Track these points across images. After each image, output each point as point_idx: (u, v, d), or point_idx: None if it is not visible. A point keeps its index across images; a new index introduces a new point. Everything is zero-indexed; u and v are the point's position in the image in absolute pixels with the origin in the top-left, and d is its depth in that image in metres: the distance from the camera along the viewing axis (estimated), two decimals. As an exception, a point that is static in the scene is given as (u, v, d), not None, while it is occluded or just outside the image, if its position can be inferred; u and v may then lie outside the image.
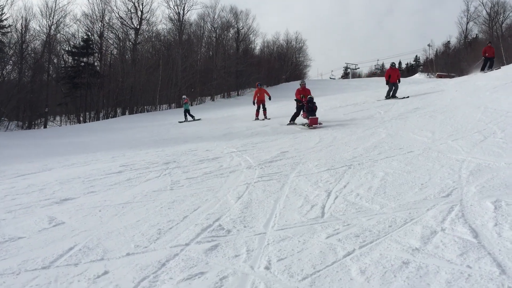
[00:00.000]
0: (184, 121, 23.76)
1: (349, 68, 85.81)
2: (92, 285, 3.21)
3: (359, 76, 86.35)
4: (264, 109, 18.51)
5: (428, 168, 5.84)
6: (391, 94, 18.05)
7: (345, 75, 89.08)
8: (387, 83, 18.43)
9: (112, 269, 3.48)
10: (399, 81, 18.40)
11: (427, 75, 67.05)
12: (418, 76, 70.64)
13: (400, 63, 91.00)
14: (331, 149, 8.38)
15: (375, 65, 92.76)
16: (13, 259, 3.86)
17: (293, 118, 15.11)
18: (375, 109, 15.04)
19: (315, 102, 13.78)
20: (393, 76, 18.12)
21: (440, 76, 55.00)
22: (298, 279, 3.03)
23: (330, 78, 79.04)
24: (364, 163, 6.69)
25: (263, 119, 18.05)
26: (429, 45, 76.53)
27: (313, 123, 12.89)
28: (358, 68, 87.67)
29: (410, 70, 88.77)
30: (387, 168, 6.13)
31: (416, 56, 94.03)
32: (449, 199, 4.40)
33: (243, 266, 3.33)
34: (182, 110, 26.97)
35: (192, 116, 24.24)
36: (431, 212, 4.07)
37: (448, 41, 70.49)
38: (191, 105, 38.11)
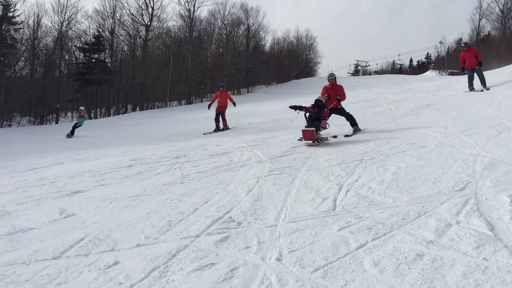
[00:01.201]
0: (70, 135, 19.41)
1: (359, 65, 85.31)
2: (102, 275, 3.19)
3: (370, 73, 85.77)
4: (223, 118, 15.33)
5: (441, 163, 5.76)
6: (472, 85, 14.48)
7: (355, 72, 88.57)
8: (463, 70, 15.21)
9: (122, 259, 3.46)
10: (480, 65, 14.36)
11: (439, 72, 66.49)
12: (429, 73, 70.07)
13: (411, 60, 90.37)
14: (342, 144, 8.31)
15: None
16: (24, 250, 3.87)
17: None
18: (386, 105, 14.91)
19: (326, 106, 9.52)
20: (469, 60, 14.49)
21: (452, 74, 54.51)
22: (310, 270, 2.98)
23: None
24: (375, 158, 6.61)
25: (221, 129, 15.05)
26: (440, 42, 75.97)
27: (306, 137, 8.61)
28: (369, 65, 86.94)
29: (422, 68, 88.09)
30: (399, 163, 6.05)
31: (428, 53, 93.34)
32: (464, 193, 4.33)
33: (254, 258, 3.29)
34: (192, 106, 26.61)
35: (72, 132, 19.52)
36: (445, 205, 4.00)
37: (460, 38, 69.58)
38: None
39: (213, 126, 15.73)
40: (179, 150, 9.98)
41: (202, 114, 24.59)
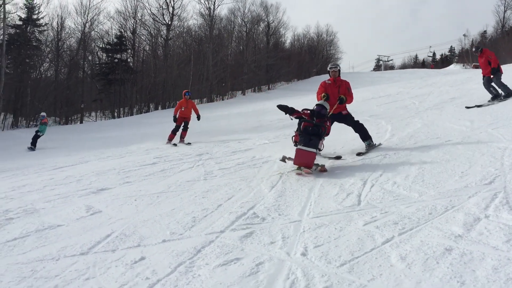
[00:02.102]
0: (32, 147, 16.28)
1: (381, 60, 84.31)
2: (129, 270, 3.23)
3: (392, 68, 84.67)
4: (185, 129, 12.64)
5: (468, 157, 5.65)
6: (492, 92, 11.26)
7: (377, 67, 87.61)
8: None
9: (148, 255, 3.50)
10: (494, 72, 11.06)
11: (463, 65, 65.20)
12: (453, 67, 68.75)
13: (434, 54, 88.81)
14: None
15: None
16: (53, 246, 3.94)
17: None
18: (410, 99, 14.72)
19: (326, 117, 6.72)
20: (483, 66, 11.44)
21: (476, 67, 53.36)
22: (336, 265, 2.96)
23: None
24: (400, 152, 6.53)
25: (176, 144, 12.04)
26: (464, 35, 74.25)
27: (301, 160, 5.97)
28: (391, 60, 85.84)
29: (445, 62, 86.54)
30: (425, 157, 5.96)
31: (451, 46, 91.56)
32: (492, 187, 4.23)
33: (279, 253, 3.28)
34: (213, 104, 26.47)
35: (33, 143, 16.43)
36: (473, 199, 3.93)
37: (485, 31, 68.21)
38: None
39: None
40: (202, 147, 10.04)
41: (223, 112, 24.67)
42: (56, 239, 4.14)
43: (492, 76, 11.03)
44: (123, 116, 39.11)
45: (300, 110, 6.75)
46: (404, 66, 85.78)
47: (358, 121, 7.36)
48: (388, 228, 3.51)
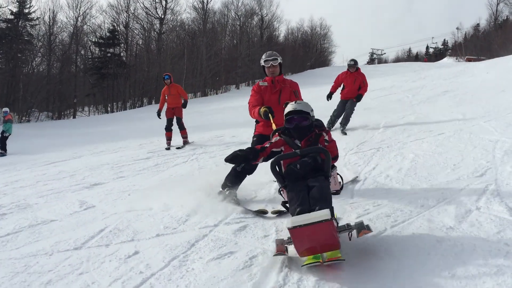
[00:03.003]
0: (2, 152, 13.50)
1: (375, 53, 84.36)
2: (123, 265, 3.23)
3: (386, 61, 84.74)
4: (181, 127, 10.35)
5: (460, 149, 5.69)
6: (333, 122, 9.58)
7: (371, 61, 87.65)
8: (329, 97, 9.73)
9: (142, 249, 3.50)
10: (358, 100, 9.32)
11: (456, 59, 65.39)
12: (446, 60, 68.85)
13: (427, 47, 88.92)
14: (359, 133, 8.25)
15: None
16: (46, 241, 3.93)
17: (233, 177, 4.76)
18: (403, 93, 14.77)
19: (319, 128, 3.62)
20: (347, 85, 9.44)
21: (469, 60, 53.56)
22: (329, 257, 2.97)
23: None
24: (393, 146, 6.57)
25: (179, 147, 9.71)
26: (457, 28, 74.40)
27: (308, 248, 2.79)
28: (384, 53, 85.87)
29: (438, 55, 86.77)
30: (417, 150, 6.00)
31: (444, 40, 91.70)
32: (484, 179, 4.28)
33: (273, 246, 3.29)
34: (207, 98, 26.14)
35: (2, 148, 13.66)
36: (464, 191, 3.96)
37: (478, 24, 68.39)
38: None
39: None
40: (196, 142, 10.02)
41: (217, 106, 24.63)
42: (49, 234, 4.13)
43: (354, 100, 9.25)
44: (117, 111, 38.91)
45: (268, 140, 3.78)
46: (397, 60, 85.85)
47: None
48: (381, 220, 3.53)
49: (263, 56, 5.20)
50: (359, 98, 9.27)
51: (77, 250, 3.62)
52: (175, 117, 10.37)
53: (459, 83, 14.52)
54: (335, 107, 9.55)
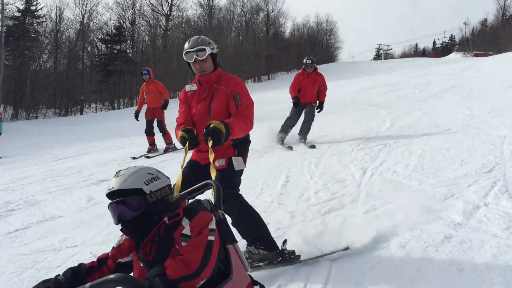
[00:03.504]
0: None
1: (381, 49, 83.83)
2: (130, 260, 3.24)
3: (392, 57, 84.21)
4: (162, 131, 9.07)
5: (468, 145, 5.65)
6: (286, 131, 8.05)
7: (377, 57, 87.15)
8: (298, 103, 7.97)
9: (149, 245, 3.50)
10: (319, 107, 8.19)
11: (463, 54, 64.93)
12: (453, 55, 68.35)
13: (434, 42, 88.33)
14: (364, 129, 8.20)
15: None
16: (54, 237, 3.96)
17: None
18: (410, 89, 14.68)
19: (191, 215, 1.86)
20: (304, 88, 8.04)
21: (476, 55, 53.13)
22: (336, 253, 2.97)
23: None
24: (400, 142, 6.53)
25: (164, 150, 8.85)
26: (465, 23, 73.77)
27: None
28: (391, 49, 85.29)
29: (446, 50, 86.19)
30: (425, 146, 5.96)
31: (451, 35, 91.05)
32: (492, 175, 4.24)
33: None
34: None
35: None
36: (472, 187, 3.93)
37: (485, 19, 67.81)
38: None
39: None
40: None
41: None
42: (57, 230, 4.16)
43: (313, 105, 8.06)
44: (123, 107, 39.02)
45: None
46: (404, 55, 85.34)
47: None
48: (388, 216, 3.51)
49: (185, 46, 3.27)
50: (321, 107, 8.04)
51: (85, 246, 3.64)
52: (155, 120, 9.09)
53: (466, 79, 14.41)
54: (288, 114, 8.11)
